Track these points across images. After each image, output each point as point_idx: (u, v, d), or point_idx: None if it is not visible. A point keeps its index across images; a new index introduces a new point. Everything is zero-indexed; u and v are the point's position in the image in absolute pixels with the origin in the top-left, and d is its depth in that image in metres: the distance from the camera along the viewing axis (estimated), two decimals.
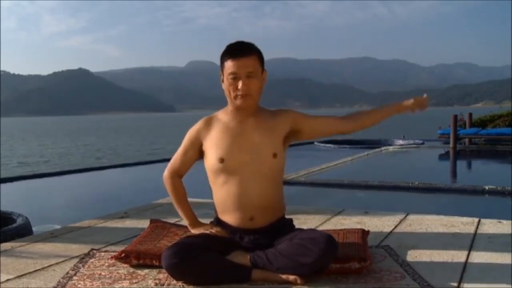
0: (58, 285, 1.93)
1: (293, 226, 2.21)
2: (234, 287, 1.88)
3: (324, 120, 2.24)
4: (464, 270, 2.06)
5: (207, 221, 2.27)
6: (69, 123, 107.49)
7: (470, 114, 14.38)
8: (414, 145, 12.76)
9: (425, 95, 2.21)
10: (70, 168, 13.11)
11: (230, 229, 2.12)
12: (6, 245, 2.56)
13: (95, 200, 5.96)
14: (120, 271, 2.08)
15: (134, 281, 1.96)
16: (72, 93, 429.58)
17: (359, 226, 2.70)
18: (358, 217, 3.16)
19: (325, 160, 8.15)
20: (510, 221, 2.92)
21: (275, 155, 2.09)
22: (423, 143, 13.23)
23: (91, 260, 2.25)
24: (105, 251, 2.40)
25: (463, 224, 2.92)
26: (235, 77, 2.06)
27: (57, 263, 2.23)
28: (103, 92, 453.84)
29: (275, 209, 2.15)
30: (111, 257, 2.22)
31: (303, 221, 2.96)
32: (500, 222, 2.95)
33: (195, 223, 2.24)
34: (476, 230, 2.77)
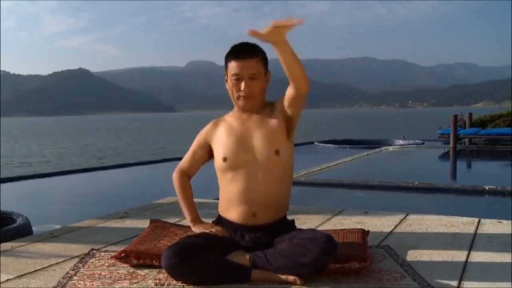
0: (58, 285, 1.93)
1: (294, 226, 2.21)
2: (234, 287, 1.89)
3: (286, 95, 2.12)
4: (464, 270, 2.06)
5: (208, 221, 2.27)
6: (69, 123, 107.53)
7: (470, 114, 14.39)
8: (414, 145, 12.77)
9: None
10: (70, 168, 13.12)
11: (232, 227, 2.13)
12: (6, 245, 2.56)
13: (95, 200, 5.97)
14: (120, 271, 2.08)
15: (134, 281, 1.96)
16: (72, 93, 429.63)
17: (359, 226, 2.71)
18: (358, 217, 3.16)
19: (325, 160, 8.15)
20: (510, 221, 2.92)
21: (277, 152, 2.10)
22: (423, 143, 13.24)
23: (91, 260, 2.25)
24: (105, 251, 2.40)
25: (463, 224, 2.92)
26: (238, 78, 2.09)
27: (57, 263, 2.23)
28: (103, 92, 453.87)
29: (279, 208, 2.15)
30: (111, 257, 2.22)
31: (303, 221, 2.96)
32: (500, 222, 2.95)
33: (197, 221, 2.25)
34: (476, 230, 2.77)
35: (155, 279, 1.97)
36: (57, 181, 7.95)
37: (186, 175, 2.30)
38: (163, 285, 1.91)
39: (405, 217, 3.15)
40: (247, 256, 1.98)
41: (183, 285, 1.90)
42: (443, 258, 2.25)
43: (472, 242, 2.52)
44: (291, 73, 2.00)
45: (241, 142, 2.12)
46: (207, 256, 1.93)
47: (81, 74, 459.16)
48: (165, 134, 42.43)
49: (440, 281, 1.92)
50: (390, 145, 13.10)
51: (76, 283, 1.94)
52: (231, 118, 2.22)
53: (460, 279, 1.95)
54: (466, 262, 2.18)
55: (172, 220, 2.86)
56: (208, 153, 2.24)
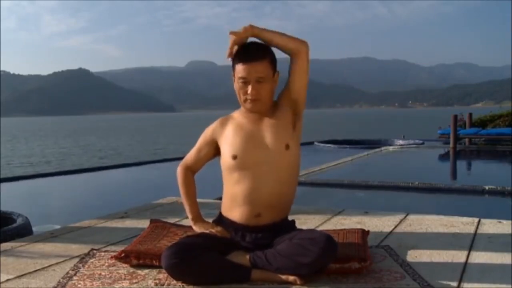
0: (58, 285, 1.93)
1: (295, 227, 2.21)
2: (234, 287, 1.89)
3: (289, 80, 2.18)
4: (464, 270, 2.06)
5: (208, 221, 2.27)
6: (69, 123, 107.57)
7: (470, 114, 14.40)
8: (414, 145, 12.77)
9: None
10: (70, 168, 13.12)
11: (233, 227, 2.12)
12: (6, 245, 2.56)
13: (95, 200, 5.97)
14: (120, 271, 2.08)
15: (134, 281, 1.96)
16: (72, 93, 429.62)
17: (359, 226, 2.71)
18: (358, 217, 3.16)
19: (325, 160, 8.15)
20: (510, 221, 2.92)
21: (287, 147, 2.09)
22: (423, 143, 13.24)
23: (91, 260, 2.25)
24: (105, 251, 2.40)
25: (463, 224, 2.92)
26: (245, 82, 2.07)
27: (57, 263, 2.23)
28: (103, 92, 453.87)
29: (283, 208, 2.15)
30: (111, 257, 2.22)
31: (303, 221, 2.96)
32: (500, 222, 2.95)
33: (198, 219, 2.25)
34: (476, 230, 2.77)
35: (155, 279, 1.97)
36: (57, 181, 7.95)
37: (190, 171, 2.29)
38: (163, 285, 1.91)
39: (405, 217, 3.15)
40: (247, 256, 1.98)
41: (183, 285, 1.90)
42: (443, 258, 2.25)
43: (472, 242, 2.52)
44: (287, 47, 2.11)
45: (251, 140, 2.10)
46: (207, 256, 1.93)
47: (81, 74, 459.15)
48: (166, 134, 42.44)
49: (440, 281, 1.92)
50: (390, 145, 13.11)
51: (76, 283, 1.94)
52: (239, 116, 2.19)
53: (460, 279, 1.95)
54: (466, 262, 2.18)
55: (172, 220, 2.86)
56: (213, 150, 2.23)
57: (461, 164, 10.46)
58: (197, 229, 2.19)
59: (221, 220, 2.20)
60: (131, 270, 2.09)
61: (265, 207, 2.08)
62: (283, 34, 2.13)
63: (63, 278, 2.01)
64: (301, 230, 2.14)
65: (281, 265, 1.90)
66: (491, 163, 10.28)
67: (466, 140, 12.75)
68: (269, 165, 2.07)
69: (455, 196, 5.62)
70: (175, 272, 1.91)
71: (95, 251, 2.40)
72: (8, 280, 2.02)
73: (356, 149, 11.43)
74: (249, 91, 2.07)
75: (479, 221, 2.97)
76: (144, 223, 2.73)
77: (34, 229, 3.50)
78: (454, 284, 1.90)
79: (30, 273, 2.11)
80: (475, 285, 1.90)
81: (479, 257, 2.25)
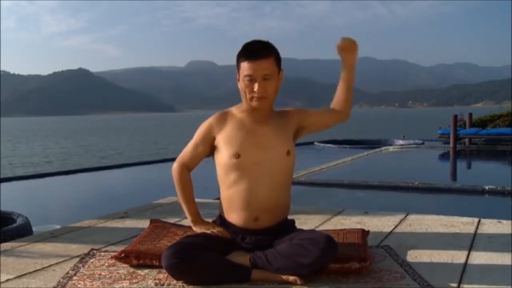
0: (58, 285, 1.93)
1: (295, 227, 2.21)
2: (234, 287, 1.89)
3: (321, 114, 2.28)
4: (464, 270, 2.06)
5: (208, 221, 2.26)
6: (69, 123, 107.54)
7: (470, 114, 14.39)
8: (414, 145, 12.77)
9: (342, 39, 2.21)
10: (70, 168, 13.12)
11: (233, 229, 2.12)
12: (6, 245, 2.56)
13: (95, 200, 5.97)
14: (120, 271, 2.08)
15: (134, 281, 1.96)
16: (72, 93, 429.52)
17: (359, 226, 2.70)
18: (358, 217, 3.16)
19: (325, 160, 8.15)
20: (510, 221, 2.92)
21: (288, 153, 2.10)
22: (423, 143, 13.24)
23: (91, 260, 2.25)
24: (105, 251, 2.40)
25: (463, 224, 2.92)
26: (251, 79, 2.05)
27: (57, 263, 2.23)
28: (103, 92, 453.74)
29: (281, 210, 2.14)
30: (111, 257, 2.22)
31: (303, 221, 2.96)
32: (500, 222, 2.95)
33: (198, 220, 2.23)
34: (476, 230, 2.77)
35: (155, 279, 1.97)
36: (57, 181, 7.95)
37: (186, 169, 2.23)
38: (163, 285, 1.91)
39: (405, 217, 3.15)
40: (247, 256, 1.98)
41: (183, 285, 1.90)
42: (443, 258, 2.25)
43: (472, 242, 2.52)
44: (345, 97, 2.23)
45: (253, 139, 2.09)
46: (207, 256, 1.93)
47: (81, 74, 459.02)
48: (167, 134, 42.42)
49: (440, 281, 1.92)
50: (390, 145, 13.10)
51: (76, 283, 1.94)
52: (239, 114, 2.15)
53: (460, 279, 1.95)
54: (466, 262, 2.18)
55: (172, 220, 2.86)
56: (210, 147, 2.17)
57: (461, 164, 10.46)
58: (197, 229, 2.18)
59: (220, 221, 2.20)
60: (131, 270, 2.09)
61: (263, 211, 2.07)
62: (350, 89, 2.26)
63: (63, 278, 2.01)
64: (301, 230, 2.14)
65: (281, 265, 1.90)
66: (491, 163, 10.28)
67: (466, 140, 12.75)
68: (269, 168, 2.07)
69: (455, 196, 5.62)
70: (175, 272, 1.91)
71: (95, 251, 2.40)
72: (8, 280, 2.02)
73: (356, 149, 11.43)
74: (255, 89, 2.04)
75: (479, 221, 2.97)
76: (144, 223, 2.73)
77: (34, 229, 3.49)
78: (454, 284, 1.90)
79: (30, 273, 2.11)
80: (475, 285, 1.90)
81: (479, 257, 2.25)
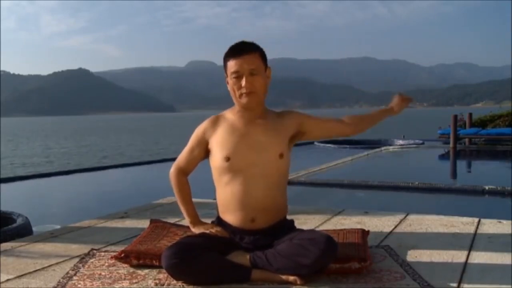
0: (58, 285, 1.93)
1: (294, 227, 2.21)
2: (234, 287, 1.89)
3: (326, 122, 2.27)
4: (464, 270, 2.06)
5: (208, 221, 2.27)
6: (69, 123, 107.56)
7: (470, 114, 14.39)
8: (414, 145, 12.76)
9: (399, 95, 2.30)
10: (70, 168, 13.12)
11: (231, 229, 2.12)
12: (6, 245, 2.56)
13: (95, 200, 5.97)
14: (120, 271, 2.08)
15: (134, 281, 1.96)
16: (72, 93, 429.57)
17: (359, 226, 2.70)
18: (358, 217, 3.16)
19: (325, 160, 8.15)
20: (510, 221, 2.92)
21: (281, 156, 2.10)
22: (423, 143, 13.24)
23: (91, 260, 2.25)
24: (105, 251, 2.40)
25: (463, 224, 2.92)
26: (238, 76, 2.06)
27: (57, 263, 2.23)
28: (103, 92, 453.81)
29: (277, 211, 2.14)
30: (111, 257, 2.22)
31: (303, 221, 2.96)
32: (500, 222, 2.95)
33: (197, 222, 2.24)
34: (476, 230, 2.77)
35: (155, 279, 1.97)
36: (57, 181, 7.95)
37: (183, 173, 2.25)
38: (163, 285, 1.91)
39: (405, 217, 3.15)
40: (247, 256, 1.98)
41: (183, 285, 1.90)
42: (443, 258, 2.25)
43: (472, 242, 2.52)
44: (361, 130, 2.30)
45: (245, 142, 2.09)
46: (207, 256, 1.93)
47: (81, 74, 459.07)
48: (167, 134, 42.40)
49: (440, 281, 1.92)
50: (390, 145, 13.10)
51: (76, 283, 1.94)
52: (232, 116, 2.17)
53: (460, 279, 1.95)
54: (466, 262, 2.18)
55: (172, 220, 2.86)
56: (205, 150, 2.19)
57: (461, 164, 10.45)
58: (196, 231, 2.18)
59: (218, 221, 2.20)
60: (131, 270, 2.09)
61: (259, 211, 2.08)
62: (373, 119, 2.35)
63: (63, 278, 2.01)
64: (301, 230, 2.14)
65: (281, 265, 1.90)
66: (491, 163, 10.28)
67: (466, 140, 12.75)
68: (261, 169, 2.08)
69: (455, 196, 5.62)
70: (175, 272, 1.91)
71: (95, 251, 2.40)
72: (8, 280, 2.02)
73: (356, 149, 11.42)
74: (243, 84, 2.06)
75: (479, 221, 2.97)
76: (144, 223, 2.73)
77: (34, 229, 3.49)
78: (454, 284, 1.90)
79: (30, 273, 2.11)
80: (475, 285, 1.90)
81: (479, 257, 2.25)
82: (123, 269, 2.11)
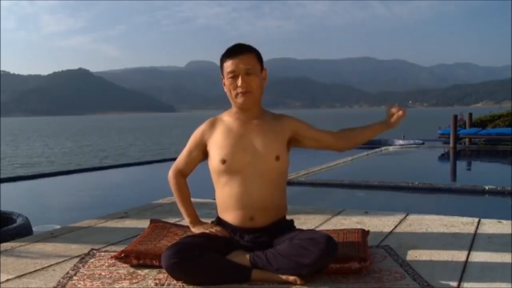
0: (58, 285, 1.93)
1: (294, 227, 2.21)
2: (234, 287, 1.89)
3: (320, 135, 2.25)
4: (464, 270, 2.06)
5: (208, 221, 2.27)
6: (70, 123, 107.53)
7: (470, 114, 14.38)
8: (414, 145, 12.76)
9: (394, 107, 2.24)
10: (70, 168, 13.12)
11: (231, 228, 2.13)
12: (6, 245, 2.56)
13: (95, 200, 5.97)
14: (120, 271, 2.08)
15: (134, 281, 1.96)
16: (72, 93, 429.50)
17: (359, 226, 2.71)
18: (358, 217, 3.16)
19: (325, 160, 8.15)
20: (510, 221, 2.92)
21: (277, 158, 2.10)
22: (423, 143, 13.23)
23: (91, 260, 2.25)
24: (105, 251, 2.40)
25: (463, 224, 2.92)
26: (234, 75, 2.08)
27: (57, 263, 2.23)
28: (103, 92, 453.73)
29: (276, 210, 2.15)
30: (111, 257, 2.22)
31: (303, 221, 2.96)
32: (500, 222, 2.95)
33: (196, 221, 2.25)
34: (476, 230, 2.77)
35: (155, 279, 1.97)
36: (57, 181, 7.95)
37: (181, 175, 2.27)
38: (163, 285, 1.91)
39: (405, 217, 3.15)
40: (247, 256, 1.98)
41: (183, 285, 1.90)
42: (443, 258, 2.25)
43: (472, 242, 2.52)
44: (354, 145, 2.27)
45: (241, 144, 2.10)
46: (207, 256, 1.93)
47: (81, 74, 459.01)
48: (169, 135, 42.38)
49: (440, 281, 1.92)
50: (390, 145, 13.10)
51: (76, 283, 1.94)
52: (229, 118, 2.18)
53: (460, 279, 1.95)
54: (466, 262, 2.18)
55: (172, 220, 2.86)
56: (203, 152, 2.21)
57: (461, 164, 10.45)
58: (196, 231, 2.19)
59: (218, 221, 2.21)
60: (131, 270, 2.09)
61: (257, 210, 2.09)
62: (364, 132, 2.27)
63: (63, 278, 2.01)
64: (301, 230, 2.14)
65: (281, 265, 1.90)
66: (491, 163, 10.28)
67: (466, 140, 12.75)
68: (257, 171, 2.08)
69: (455, 196, 5.61)
70: (175, 272, 1.91)
71: (95, 251, 2.40)
72: (8, 280, 2.02)
73: (356, 149, 11.42)
74: (239, 84, 2.07)
75: (479, 221, 2.97)
76: (144, 223, 2.73)
77: (34, 229, 3.49)
78: (454, 284, 1.90)
79: (30, 273, 2.11)
80: (475, 285, 1.90)
81: (479, 257, 2.25)
82: (123, 269, 2.11)
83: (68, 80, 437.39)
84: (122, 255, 2.14)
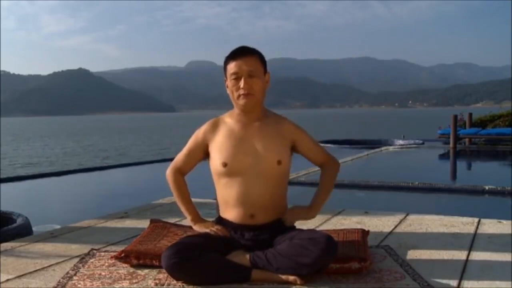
0: (58, 285, 1.93)
1: (294, 226, 2.21)
2: (234, 287, 1.89)
3: (313, 153, 2.26)
4: (464, 270, 2.06)
5: (209, 219, 2.27)
6: (70, 123, 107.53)
7: (470, 114, 14.38)
8: (414, 145, 12.76)
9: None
10: (70, 168, 13.11)
11: (231, 226, 2.13)
12: (6, 245, 2.56)
13: (95, 200, 5.96)
14: (120, 271, 2.08)
15: (134, 281, 1.96)
16: (72, 93, 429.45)
17: (359, 226, 2.71)
18: (358, 217, 3.16)
19: None
20: (510, 221, 2.92)
21: (279, 162, 2.10)
22: (423, 143, 13.23)
23: (91, 260, 2.25)
24: (105, 251, 2.40)
25: (463, 224, 2.92)
26: (237, 77, 2.08)
27: (57, 263, 2.23)
28: (103, 92, 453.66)
29: (276, 208, 2.16)
30: (111, 257, 2.22)
31: (303, 221, 2.95)
32: (500, 222, 2.95)
33: (197, 219, 2.25)
34: (476, 230, 2.77)
35: (155, 279, 1.97)
36: (57, 181, 7.95)
37: (180, 173, 2.26)
38: (163, 285, 1.91)
39: (405, 217, 3.15)
40: (247, 256, 1.98)
41: (183, 285, 1.90)
42: (443, 258, 2.25)
43: (472, 242, 2.52)
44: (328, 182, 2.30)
45: (242, 147, 2.10)
46: (207, 256, 1.93)
47: (81, 74, 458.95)
48: (170, 135, 42.39)
49: (440, 281, 1.92)
50: (390, 145, 13.10)
51: (76, 283, 1.94)
52: (231, 121, 2.18)
53: (460, 279, 1.95)
54: (466, 262, 2.18)
55: (172, 220, 2.86)
56: (204, 153, 2.21)
57: (461, 164, 10.45)
58: (198, 229, 2.19)
59: (219, 219, 2.21)
60: (131, 270, 2.09)
61: (257, 208, 2.10)
62: (328, 192, 2.29)
63: (63, 278, 2.01)
64: (301, 230, 2.14)
65: (281, 265, 1.90)
66: (491, 163, 10.28)
67: (466, 140, 12.74)
68: (258, 173, 2.09)
69: (455, 196, 5.61)
70: (175, 272, 1.91)
71: (95, 251, 2.40)
72: (8, 280, 2.02)
73: (356, 149, 11.42)
74: (241, 85, 2.07)
75: (479, 221, 2.97)
76: (144, 223, 2.73)
77: (34, 229, 3.49)
78: (454, 284, 1.90)
79: (30, 273, 2.11)
80: (475, 284, 1.90)
81: (479, 257, 2.25)
82: (123, 269, 2.11)
83: (68, 80, 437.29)
84: (122, 255, 2.14)
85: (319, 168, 2.33)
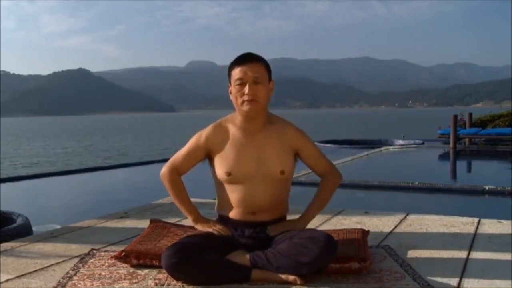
0: (58, 285, 1.93)
1: None
2: (234, 287, 1.89)
3: (315, 163, 2.26)
4: (464, 270, 2.06)
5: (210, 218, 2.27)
6: (70, 123, 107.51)
7: (470, 114, 14.37)
8: (414, 145, 12.76)
9: None
10: (70, 168, 13.11)
11: (232, 223, 2.14)
12: (6, 245, 2.56)
13: (95, 200, 5.96)
14: (120, 271, 2.08)
15: (134, 281, 1.96)
16: (72, 93, 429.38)
17: (359, 226, 2.71)
18: (358, 217, 3.17)
19: None
20: (510, 221, 2.92)
21: (282, 172, 2.11)
22: (423, 143, 13.23)
23: (91, 260, 2.25)
24: (105, 251, 2.40)
25: (463, 224, 2.92)
26: (242, 83, 2.07)
27: (57, 263, 2.23)
28: (103, 92, 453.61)
29: (278, 207, 2.17)
30: (111, 257, 2.22)
31: None
32: (500, 222, 2.95)
33: (199, 218, 2.25)
34: (476, 230, 2.77)
35: (155, 279, 1.97)
36: (57, 181, 7.95)
37: (177, 172, 2.24)
38: (163, 285, 1.91)
39: (405, 217, 3.15)
40: (247, 256, 1.98)
41: (183, 285, 1.90)
42: (443, 258, 2.25)
43: (472, 242, 2.52)
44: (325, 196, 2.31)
45: (246, 157, 2.10)
46: (207, 256, 1.93)
47: (81, 74, 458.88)
48: (170, 135, 42.38)
49: (440, 281, 1.92)
50: (390, 145, 13.10)
51: (76, 283, 1.94)
52: (234, 127, 2.16)
53: (460, 279, 1.95)
54: (466, 262, 2.18)
55: (172, 220, 2.86)
56: (204, 156, 2.20)
57: (461, 164, 10.45)
58: (199, 227, 2.20)
59: (220, 218, 2.21)
60: (131, 270, 2.09)
61: (259, 208, 2.12)
62: (322, 205, 2.29)
63: (63, 278, 2.01)
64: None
65: (281, 264, 1.90)
66: (491, 163, 10.27)
67: (466, 140, 12.74)
68: (261, 182, 2.10)
69: (455, 196, 5.61)
70: (175, 272, 1.91)
71: (95, 251, 2.40)
72: (8, 280, 2.02)
73: (356, 149, 11.42)
74: (246, 91, 2.06)
75: (479, 221, 2.97)
76: (144, 223, 2.73)
77: (34, 229, 3.49)
78: (454, 284, 1.90)
79: (30, 273, 2.11)
80: (475, 284, 1.90)
81: (479, 257, 2.25)
82: (123, 269, 2.11)
83: (68, 80, 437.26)
84: (122, 255, 2.14)
85: None
